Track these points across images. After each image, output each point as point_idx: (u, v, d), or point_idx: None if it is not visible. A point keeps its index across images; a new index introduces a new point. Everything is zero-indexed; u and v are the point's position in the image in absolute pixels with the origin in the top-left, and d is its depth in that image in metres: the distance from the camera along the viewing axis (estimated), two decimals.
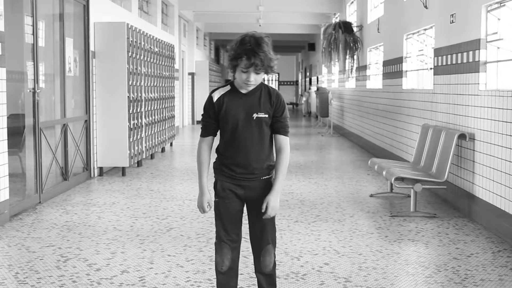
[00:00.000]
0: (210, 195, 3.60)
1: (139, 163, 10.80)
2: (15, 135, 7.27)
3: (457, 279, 4.65)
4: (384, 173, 7.26)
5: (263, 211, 3.52)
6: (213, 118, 3.58)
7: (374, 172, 9.95)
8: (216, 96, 3.52)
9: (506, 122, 5.82)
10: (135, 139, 10.10)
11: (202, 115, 3.64)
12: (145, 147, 10.94)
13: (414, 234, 6.03)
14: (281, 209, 7.17)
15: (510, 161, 5.74)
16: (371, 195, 8.05)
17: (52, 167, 8.02)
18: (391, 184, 8.02)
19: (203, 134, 3.69)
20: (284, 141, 3.57)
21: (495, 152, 6.08)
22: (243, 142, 3.54)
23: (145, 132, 10.91)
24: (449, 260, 5.16)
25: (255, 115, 3.49)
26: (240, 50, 3.35)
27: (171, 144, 14.57)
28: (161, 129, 12.39)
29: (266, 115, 3.51)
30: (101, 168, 9.79)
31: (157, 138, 12.06)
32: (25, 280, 4.58)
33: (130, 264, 5.00)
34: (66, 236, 5.90)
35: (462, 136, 6.79)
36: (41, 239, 5.78)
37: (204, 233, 6.04)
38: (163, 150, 13.31)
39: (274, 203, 3.52)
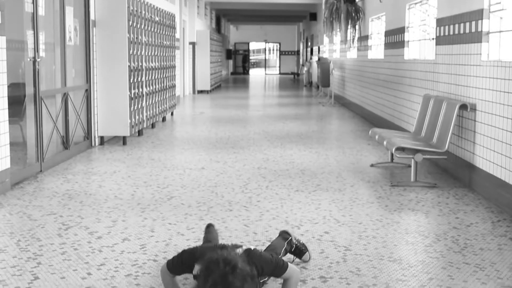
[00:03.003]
0: None
1: (140, 132, 10.80)
2: (16, 104, 7.25)
3: (456, 248, 4.68)
4: (384, 143, 7.26)
5: None
6: (183, 270, 3.47)
7: (374, 142, 9.95)
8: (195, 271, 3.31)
9: (508, 92, 5.80)
10: (136, 108, 10.09)
11: (181, 253, 3.48)
12: (146, 116, 10.93)
13: (414, 204, 6.05)
14: (282, 178, 7.19)
15: (511, 132, 5.74)
16: (372, 165, 8.07)
17: (53, 136, 8.03)
18: (392, 154, 8.02)
19: (169, 268, 3.49)
20: (286, 275, 3.46)
21: (496, 122, 6.08)
22: None
23: (146, 101, 10.89)
24: (449, 229, 5.18)
25: None
26: None
27: (172, 114, 14.56)
28: (162, 98, 12.37)
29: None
30: (102, 137, 9.79)
31: (158, 107, 12.05)
32: (27, 247, 4.61)
33: (131, 232, 5.03)
34: (67, 205, 5.92)
35: (463, 107, 6.78)
36: (42, 207, 5.80)
37: (205, 201, 6.06)
38: (164, 119, 13.31)
39: None
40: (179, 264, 3.45)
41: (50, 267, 4.18)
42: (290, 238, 4.24)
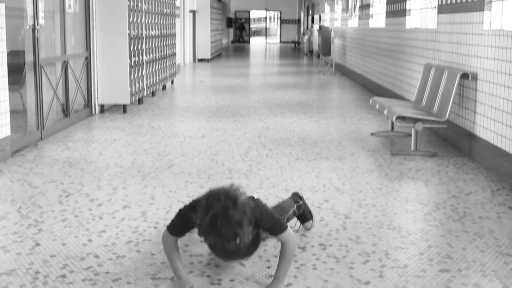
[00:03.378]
0: (189, 280, 3.42)
1: (140, 101, 10.78)
2: (16, 71, 7.23)
3: (455, 216, 4.70)
4: (385, 111, 7.26)
5: None
6: (185, 227, 3.36)
7: (375, 111, 9.94)
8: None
9: (510, 61, 5.78)
10: (136, 76, 10.06)
11: (179, 212, 3.39)
12: (146, 84, 10.91)
13: (414, 172, 6.07)
14: (282, 146, 7.20)
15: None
16: (372, 134, 8.07)
17: (53, 104, 8.02)
18: (392, 123, 8.02)
19: (171, 231, 3.40)
20: (284, 237, 3.36)
21: (498, 91, 6.06)
22: (232, 258, 3.57)
23: (146, 69, 10.86)
24: (448, 198, 5.20)
25: (238, 240, 3.24)
26: (212, 238, 3.11)
27: (172, 82, 14.53)
28: (162, 66, 12.33)
29: (255, 235, 3.41)
30: (102, 105, 9.78)
31: (158, 75, 12.01)
32: (28, 214, 4.63)
33: (131, 199, 5.05)
34: (68, 172, 5.93)
35: (464, 76, 6.76)
36: (43, 175, 5.81)
37: (205, 169, 6.07)
38: (164, 87, 13.28)
39: None
40: (180, 221, 3.36)
41: (51, 234, 4.21)
42: (300, 203, 4.25)
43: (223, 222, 3.01)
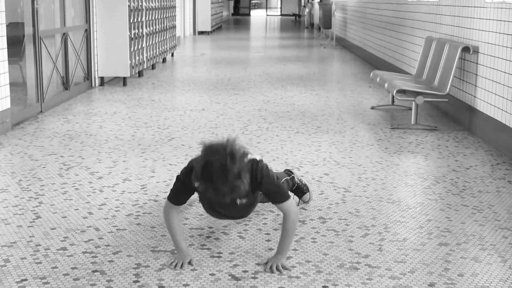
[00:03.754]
0: (189, 253, 3.40)
1: (140, 73, 10.75)
2: (15, 44, 7.20)
3: (455, 190, 4.71)
4: (386, 85, 7.24)
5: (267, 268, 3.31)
6: (187, 192, 3.33)
7: (376, 84, 9.92)
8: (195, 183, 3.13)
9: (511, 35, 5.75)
10: (136, 49, 10.02)
11: (177, 179, 3.36)
12: (146, 57, 10.87)
13: (414, 146, 6.07)
14: (282, 120, 7.19)
15: None
16: (372, 107, 8.05)
17: (52, 76, 7.99)
18: (393, 97, 8.01)
19: (172, 200, 3.36)
20: (285, 207, 3.30)
21: (499, 65, 6.04)
22: (228, 217, 3.65)
23: (146, 42, 10.81)
24: (448, 172, 5.21)
25: (238, 201, 3.31)
26: (209, 191, 3.04)
27: (172, 55, 14.48)
28: (162, 39, 12.27)
29: (252, 197, 3.40)
30: (102, 78, 9.76)
31: (158, 48, 11.96)
32: (28, 187, 4.64)
33: (131, 172, 5.05)
34: (68, 145, 5.94)
35: (465, 49, 6.73)
36: (43, 148, 5.82)
37: None
38: (164, 60, 13.23)
39: (276, 262, 3.30)
40: (180, 185, 3.33)
41: (51, 207, 4.22)
42: (292, 175, 4.26)
43: (219, 177, 2.95)
